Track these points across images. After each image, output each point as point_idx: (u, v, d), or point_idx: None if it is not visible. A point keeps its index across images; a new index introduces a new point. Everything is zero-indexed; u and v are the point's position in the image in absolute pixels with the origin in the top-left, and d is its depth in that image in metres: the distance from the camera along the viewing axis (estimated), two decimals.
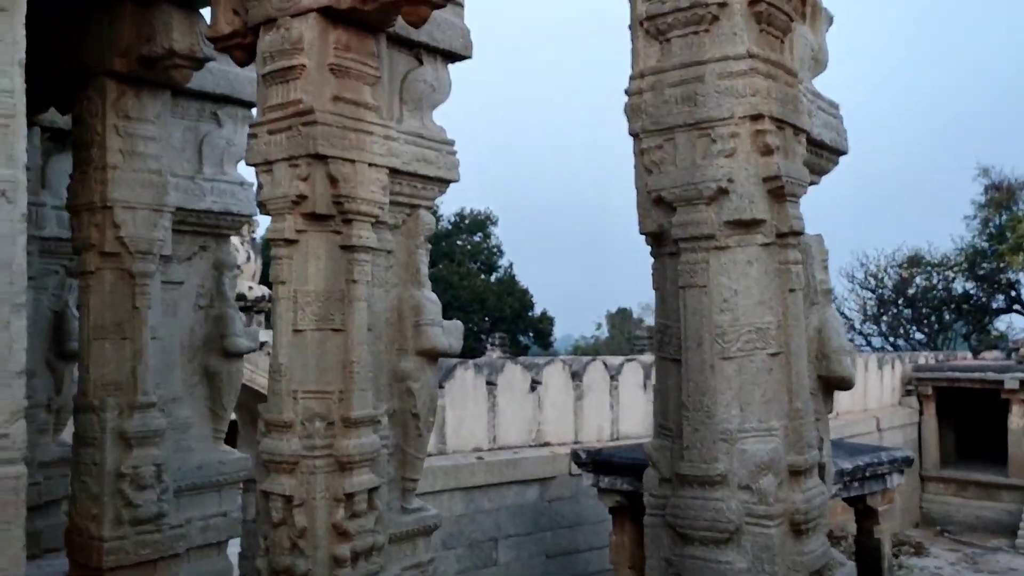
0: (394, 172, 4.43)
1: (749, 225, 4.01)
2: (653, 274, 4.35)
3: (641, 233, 4.29)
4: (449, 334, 4.79)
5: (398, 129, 4.49)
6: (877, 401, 19.05)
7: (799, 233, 4.23)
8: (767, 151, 3.98)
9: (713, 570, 3.89)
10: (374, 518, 4.29)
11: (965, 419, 20.62)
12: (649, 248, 4.34)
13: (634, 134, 4.28)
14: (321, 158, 4.11)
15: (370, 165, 4.27)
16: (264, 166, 4.25)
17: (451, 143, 4.82)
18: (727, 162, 3.98)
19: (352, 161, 4.20)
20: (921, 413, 20.16)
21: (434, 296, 4.79)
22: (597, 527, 12.66)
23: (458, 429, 11.74)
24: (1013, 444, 18.71)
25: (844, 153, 4.62)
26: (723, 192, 3.97)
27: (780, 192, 4.04)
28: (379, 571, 4.35)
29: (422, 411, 4.75)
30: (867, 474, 9.96)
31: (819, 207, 4.25)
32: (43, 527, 6.76)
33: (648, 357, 15.00)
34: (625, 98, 4.34)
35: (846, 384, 4.56)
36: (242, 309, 11.80)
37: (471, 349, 26.39)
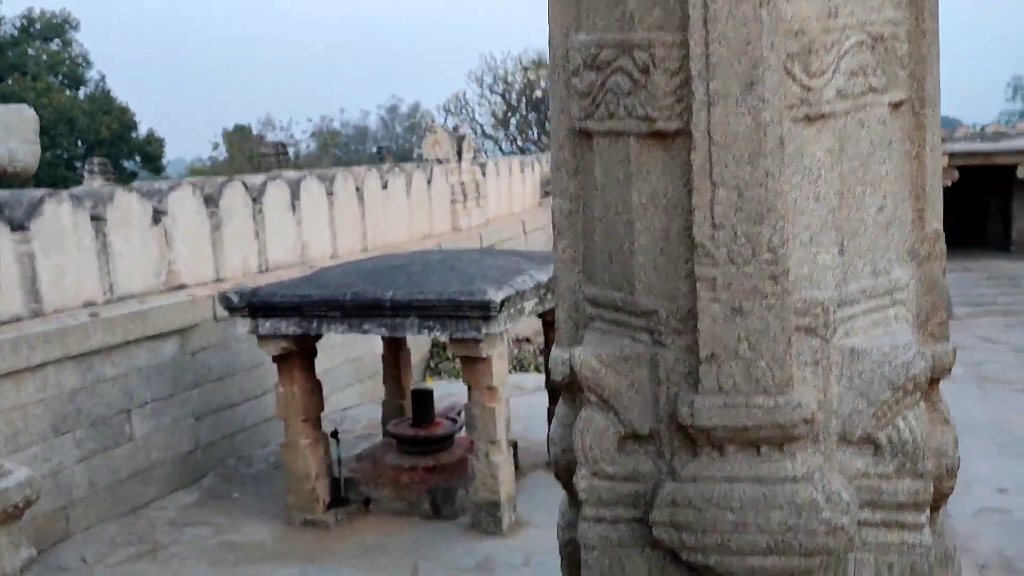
0: None
1: None
2: None
3: None
4: (6, 131, 2.27)
5: None
6: (521, 204, 18.55)
7: None
8: None
9: None
10: None
11: None
12: None
13: None
14: None
15: None
16: None
17: None
18: None
19: None
20: None
21: None
22: (252, 374, 10.52)
23: (58, 282, 8.65)
24: None
25: None
26: None
27: None
28: None
29: None
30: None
31: None
32: None
33: (292, 173, 12.59)
34: None
35: None
36: None
37: (64, 179, 21.86)
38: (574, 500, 1.81)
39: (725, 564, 1.54)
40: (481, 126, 32.47)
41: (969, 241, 19.95)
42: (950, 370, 1.68)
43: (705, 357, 1.50)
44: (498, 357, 8.12)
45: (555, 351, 1.79)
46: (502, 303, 7.75)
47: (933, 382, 1.67)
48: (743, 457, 1.54)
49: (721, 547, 1.53)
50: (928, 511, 1.54)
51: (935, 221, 1.65)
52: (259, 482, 9.60)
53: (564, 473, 1.75)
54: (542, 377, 11.62)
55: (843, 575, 1.55)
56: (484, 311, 7.70)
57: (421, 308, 7.88)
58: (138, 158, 26.85)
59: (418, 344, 13.65)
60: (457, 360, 13.80)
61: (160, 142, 27.49)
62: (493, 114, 32.63)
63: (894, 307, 1.58)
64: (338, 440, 8.78)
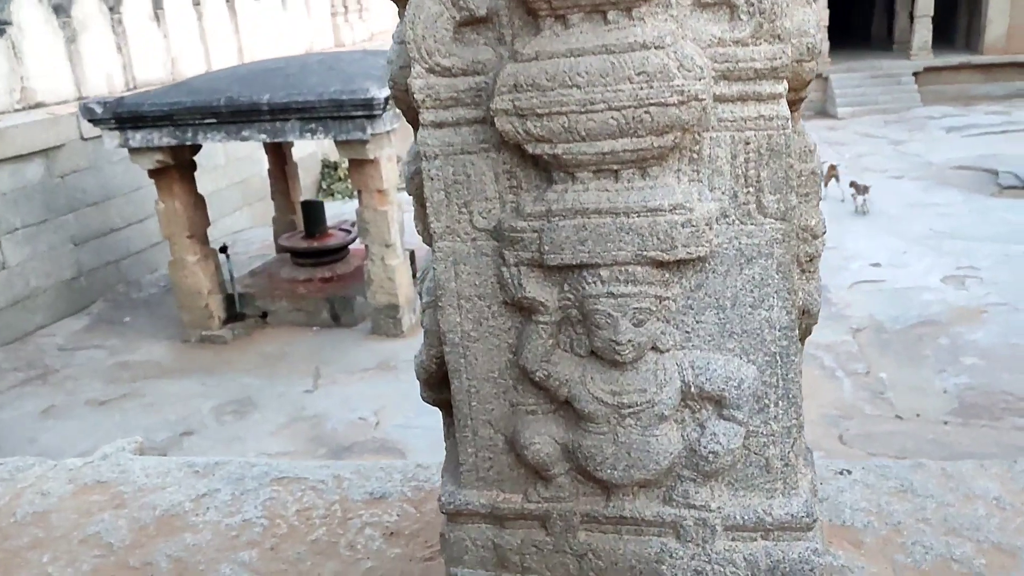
0: None
1: None
2: None
3: None
4: None
5: None
6: None
7: None
8: None
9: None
10: None
11: None
12: None
13: None
14: None
15: None
16: None
17: None
18: None
19: None
20: None
21: None
22: (131, 197, 9.99)
23: None
24: None
25: None
26: None
27: None
28: None
29: None
30: None
31: None
32: None
33: None
34: None
35: None
36: None
37: None
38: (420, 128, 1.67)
39: (573, 152, 1.43)
40: None
41: (854, 40, 20.13)
42: None
43: None
44: (387, 159, 7.87)
45: None
46: (386, 100, 7.42)
47: None
48: (589, 27, 1.40)
49: (568, 131, 1.41)
50: (785, 82, 1.46)
51: None
52: (151, 305, 9.32)
53: (403, 95, 1.60)
54: None
55: (698, 156, 1.48)
56: (368, 109, 7.38)
57: (301, 110, 7.49)
58: None
59: (308, 166, 13.18)
60: (350, 181, 13.42)
61: None
62: None
63: None
64: (228, 255, 8.52)
